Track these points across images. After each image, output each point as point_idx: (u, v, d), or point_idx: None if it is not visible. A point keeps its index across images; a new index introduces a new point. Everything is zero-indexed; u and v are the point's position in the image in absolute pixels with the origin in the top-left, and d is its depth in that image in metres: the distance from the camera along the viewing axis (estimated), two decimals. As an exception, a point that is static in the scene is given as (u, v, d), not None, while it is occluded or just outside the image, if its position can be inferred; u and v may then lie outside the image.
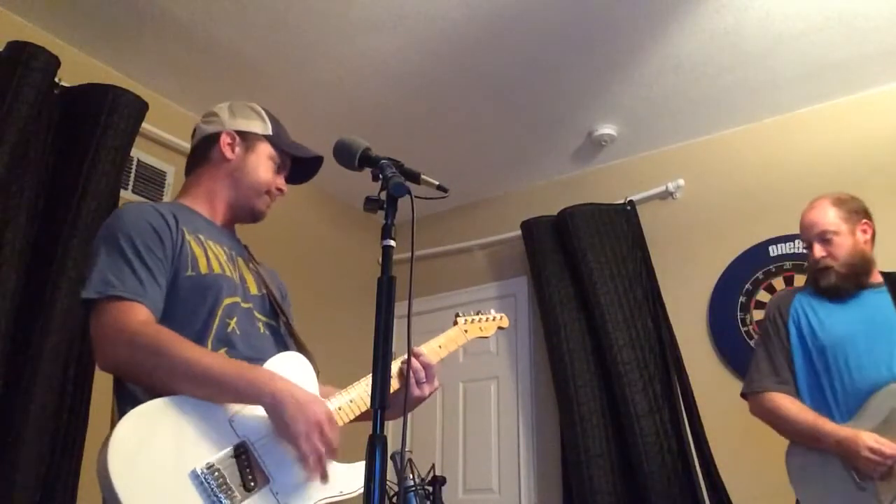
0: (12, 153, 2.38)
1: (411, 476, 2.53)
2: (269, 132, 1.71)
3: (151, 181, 3.08)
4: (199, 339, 1.45)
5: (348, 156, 1.40)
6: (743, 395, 2.33)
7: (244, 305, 1.57)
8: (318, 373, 1.58)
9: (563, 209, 3.58)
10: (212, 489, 1.27)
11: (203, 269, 1.51)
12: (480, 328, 1.96)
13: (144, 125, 2.80)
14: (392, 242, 1.28)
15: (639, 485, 3.06)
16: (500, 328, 2.05)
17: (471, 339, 1.92)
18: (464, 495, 3.79)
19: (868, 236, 2.24)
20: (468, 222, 4.22)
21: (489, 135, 3.59)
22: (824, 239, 2.21)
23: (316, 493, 1.40)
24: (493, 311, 2.04)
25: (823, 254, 2.21)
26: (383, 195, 1.31)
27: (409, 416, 1.31)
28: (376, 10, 2.72)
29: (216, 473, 1.29)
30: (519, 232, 3.79)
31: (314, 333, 3.72)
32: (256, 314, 1.60)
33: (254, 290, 1.63)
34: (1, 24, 2.65)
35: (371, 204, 1.33)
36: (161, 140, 3.12)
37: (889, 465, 1.95)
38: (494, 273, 4.08)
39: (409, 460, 2.57)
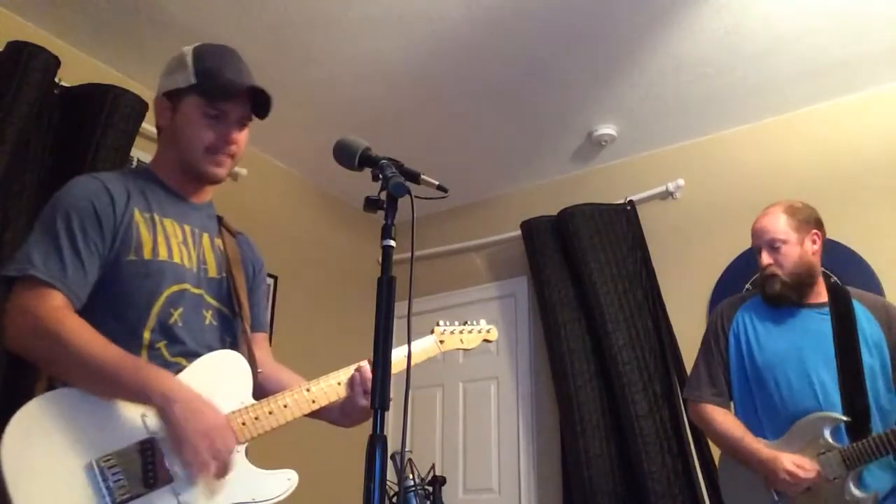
0: (12, 153, 2.37)
1: (411, 476, 2.53)
2: (193, 80, 1.54)
3: (151, 181, 3.07)
4: (134, 330, 1.42)
5: (348, 156, 1.39)
6: (683, 399, 2.38)
7: (194, 291, 1.52)
8: (256, 372, 1.54)
9: (563, 209, 3.58)
10: (104, 481, 1.24)
11: (147, 254, 1.46)
12: (461, 340, 1.86)
13: (144, 125, 2.79)
14: (392, 242, 1.28)
15: (639, 485, 3.06)
16: (486, 341, 1.94)
17: (448, 351, 1.83)
18: (464, 495, 3.79)
19: (817, 247, 2.26)
20: (468, 222, 4.22)
21: (489, 135, 3.59)
22: (773, 247, 2.23)
23: (222, 497, 1.35)
24: (482, 322, 1.93)
25: (770, 261, 2.23)
26: (383, 195, 1.31)
27: (409, 416, 1.30)
28: (376, 10, 2.72)
29: (114, 467, 1.26)
30: (519, 232, 3.79)
31: (314, 333, 3.74)
32: (208, 299, 1.55)
33: (212, 272, 1.58)
34: (1, 24, 2.65)
35: (371, 204, 1.33)
36: (161, 140, 3.11)
37: (803, 488, 2.02)
38: (494, 273, 4.08)
39: (409, 460, 2.57)
